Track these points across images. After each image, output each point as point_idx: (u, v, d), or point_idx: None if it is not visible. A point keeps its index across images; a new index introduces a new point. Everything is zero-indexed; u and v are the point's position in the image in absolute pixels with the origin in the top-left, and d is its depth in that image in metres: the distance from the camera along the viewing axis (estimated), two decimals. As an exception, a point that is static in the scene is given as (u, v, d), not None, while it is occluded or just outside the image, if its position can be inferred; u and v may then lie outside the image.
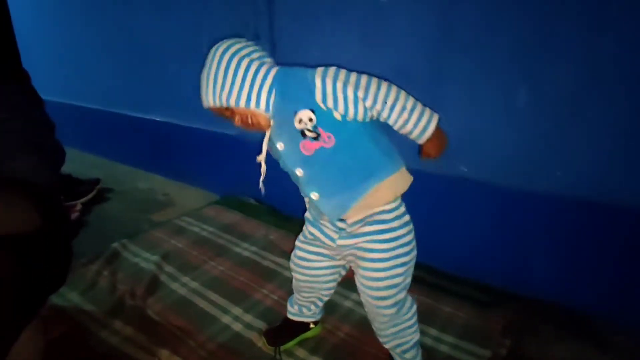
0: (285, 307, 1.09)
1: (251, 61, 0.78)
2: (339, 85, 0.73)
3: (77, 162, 2.23)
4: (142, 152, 2.31)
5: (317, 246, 0.92)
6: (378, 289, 0.83)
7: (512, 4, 1.07)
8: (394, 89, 0.75)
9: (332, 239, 0.87)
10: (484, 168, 1.23)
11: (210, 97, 0.81)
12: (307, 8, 1.45)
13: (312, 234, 0.91)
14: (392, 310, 0.85)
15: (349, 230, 0.84)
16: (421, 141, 0.78)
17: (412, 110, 0.75)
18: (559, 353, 1.05)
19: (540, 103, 1.10)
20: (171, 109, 2.08)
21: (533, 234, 1.20)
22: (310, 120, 0.75)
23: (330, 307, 1.15)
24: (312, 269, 0.94)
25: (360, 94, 0.73)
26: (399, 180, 0.81)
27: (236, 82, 0.78)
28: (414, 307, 0.90)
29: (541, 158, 1.14)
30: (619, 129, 1.02)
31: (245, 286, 1.31)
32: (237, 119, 0.82)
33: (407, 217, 0.84)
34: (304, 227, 0.95)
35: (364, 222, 0.82)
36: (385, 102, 0.74)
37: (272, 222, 1.68)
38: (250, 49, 0.81)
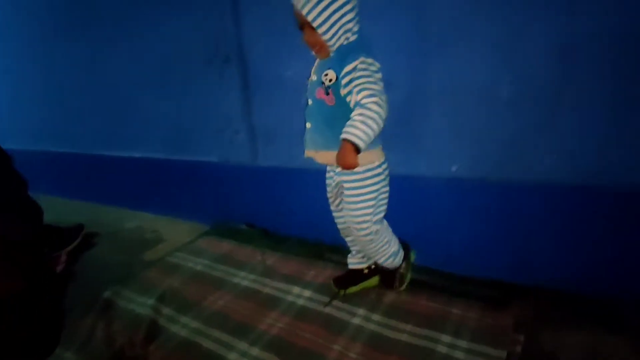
0: (293, 333, 1.14)
1: (355, 15, 1.00)
2: (355, 81, 0.98)
3: (59, 210, 2.16)
4: (126, 191, 2.25)
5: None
6: (351, 218, 1.14)
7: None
8: (375, 116, 0.97)
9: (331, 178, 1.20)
10: (474, 165, 1.21)
11: (310, 8, 0.96)
12: (276, 26, 1.44)
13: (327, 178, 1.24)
14: (368, 238, 1.15)
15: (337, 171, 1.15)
16: (341, 136, 0.99)
17: (360, 122, 0.97)
18: (574, 340, 1.03)
19: (523, 92, 1.09)
20: (150, 144, 2.03)
21: (532, 224, 1.19)
22: (330, 80, 1.01)
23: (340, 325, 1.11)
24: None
25: (357, 91, 0.98)
26: (367, 155, 1.05)
27: (337, 22, 0.98)
28: (388, 231, 1.20)
29: (530, 147, 1.13)
30: (603, 111, 1.02)
31: (248, 318, 1.26)
32: (307, 31, 1.02)
33: (377, 171, 1.11)
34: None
35: (340, 176, 1.14)
36: (359, 108, 0.98)
37: (267, 245, 1.64)
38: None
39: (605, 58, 0.99)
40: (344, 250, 1.45)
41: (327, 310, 1.25)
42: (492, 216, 1.24)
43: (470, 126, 1.19)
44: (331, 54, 1.04)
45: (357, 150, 0.98)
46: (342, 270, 1.37)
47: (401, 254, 1.26)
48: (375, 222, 1.15)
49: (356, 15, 1.01)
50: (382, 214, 1.18)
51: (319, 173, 1.48)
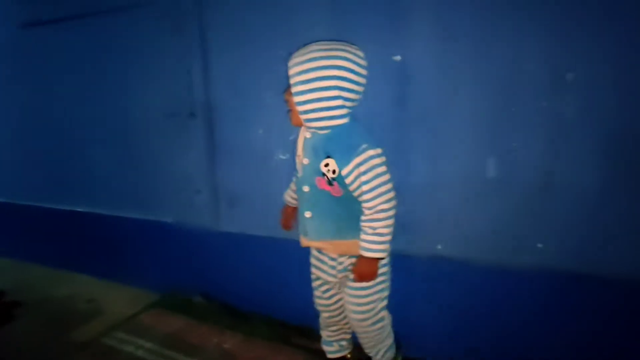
0: None
1: (343, 102, 0.91)
2: (363, 177, 0.90)
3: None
4: (61, 249, 1.95)
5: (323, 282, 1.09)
6: (359, 312, 1.03)
7: (467, 77, 1.04)
8: (388, 222, 0.92)
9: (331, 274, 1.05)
10: (459, 245, 1.12)
11: (296, 72, 0.89)
12: (246, 85, 1.33)
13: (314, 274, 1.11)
14: (378, 326, 1.04)
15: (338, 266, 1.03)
16: (360, 251, 0.95)
17: (376, 234, 0.92)
18: None
19: (510, 173, 1.04)
20: (95, 198, 1.79)
21: (516, 310, 1.09)
22: (334, 172, 0.92)
23: None
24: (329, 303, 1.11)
25: (367, 196, 0.91)
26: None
27: (317, 101, 0.90)
28: (389, 320, 1.07)
29: (518, 231, 1.06)
30: (591, 196, 0.98)
31: None
32: (288, 94, 0.94)
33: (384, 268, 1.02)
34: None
35: (344, 265, 1.02)
36: (371, 214, 0.92)
37: (226, 324, 1.43)
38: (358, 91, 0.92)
39: (593, 142, 0.95)
40: (314, 334, 1.28)
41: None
42: (472, 299, 1.14)
43: (454, 205, 1.11)
44: (311, 130, 0.95)
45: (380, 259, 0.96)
46: (314, 358, 1.19)
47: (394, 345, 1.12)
48: (385, 308, 1.05)
49: (348, 100, 0.90)
50: (387, 300, 1.07)
51: (288, 243, 1.34)
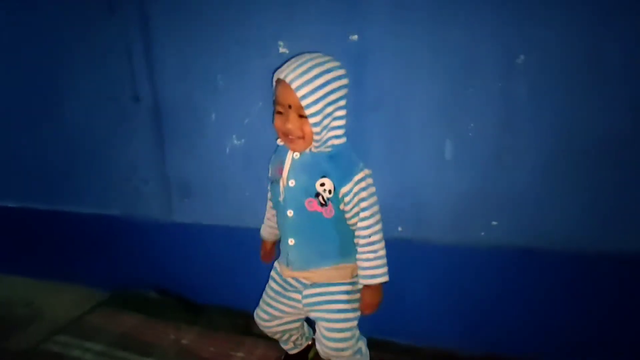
0: None
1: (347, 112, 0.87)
2: (362, 195, 0.87)
3: None
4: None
5: (281, 303, 1.01)
6: (335, 341, 0.94)
7: (424, 59, 1.03)
8: (380, 237, 0.90)
9: (298, 300, 0.98)
10: (420, 226, 1.14)
11: (308, 91, 0.80)
12: (197, 65, 1.25)
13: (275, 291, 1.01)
14: (357, 357, 0.98)
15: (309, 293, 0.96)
16: (364, 282, 0.90)
17: (378, 258, 0.89)
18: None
19: (466, 154, 1.06)
20: (28, 191, 1.63)
21: (477, 287, 1.13)
22: (330, 192, 0.87)
23: None
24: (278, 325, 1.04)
25: (364, 215, 0.88)
26: (353, 268, 0.94)
27: (330, 115, 0.84)
28: (365, 348, 1.01)
29: (475, 209, 1.09)
30: (540, 174, 1.02)
31: None
32: (293, 117, 0.84)
33: (357, 295, 0.95)
34: (269, 284, 1.04)
35: (320, 296, 0.95)
36: (369, 237, 0.88)
37: (184, 319, 1.36)
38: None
39: (541, 123, 0.99)
40: None
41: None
42: (434, 280, 1.17)
43: (414, 186, 1.12)
44: (313, 150, 0.87)
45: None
46: (277, 349, 1.17)
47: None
48: (360, 337, 0.99)
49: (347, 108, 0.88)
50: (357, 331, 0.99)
51: (246, 231, 1.30)
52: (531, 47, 0.96)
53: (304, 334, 1.13)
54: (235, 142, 1.27)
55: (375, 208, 0.89)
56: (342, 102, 0.85)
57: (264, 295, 1.05)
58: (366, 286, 0.90)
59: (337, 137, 0.87)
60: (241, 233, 1.29)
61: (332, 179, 0.86)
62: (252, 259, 1.32)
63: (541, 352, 1.10)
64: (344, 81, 0.85)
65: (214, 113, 1.27)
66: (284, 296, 1.00)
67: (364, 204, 0.87)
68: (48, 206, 1.60)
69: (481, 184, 1.07)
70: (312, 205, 0.88)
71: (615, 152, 0.97)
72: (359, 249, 0.89)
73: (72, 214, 1.56)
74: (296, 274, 0.96)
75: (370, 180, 0.89)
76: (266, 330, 1.06)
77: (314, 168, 0.87)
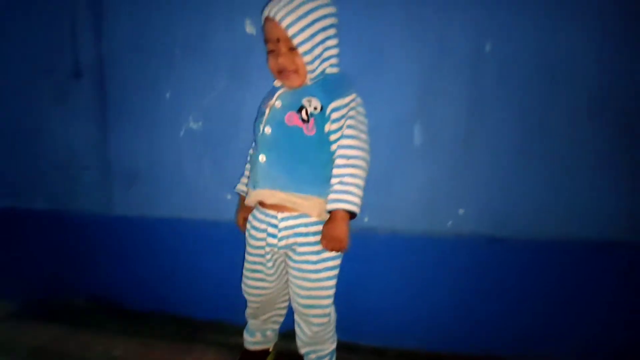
0: None
1: (338, 42, 0.85)
2: (350, 115, 0.82)
3: None
4: None
5: (259, 264, 0.91)
6: (308, 295, 0.87)
7: (395, 44, 1.01)
8: (363, 166, 0.81)
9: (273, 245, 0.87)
10: (386, 216, 1.08)
11: (292, 21, 0.78)
12: (151, 36, 1.14)
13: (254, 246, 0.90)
14: (324, 320, 0.89)
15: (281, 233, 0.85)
16: (331, 206, 0.80)
17: (354, 185, 0.80)
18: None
19: (434, 141, 1.03)
20: None
21: (444, 277, 1.08)
22: (315, 109, 0.81)
23: None
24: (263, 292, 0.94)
25: (349, 132, 0.82)
26: (324, 206, 0.83)
27: (321, 43, 0.81)
28: (334, 318, 0.93)
29: (441, 198, 1.05)
30: (505, 162, 1.01)
31: None
32: (284, 51, 0.81)
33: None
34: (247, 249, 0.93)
35: (292, 229, 0.85)
36: (349, 158, 0.81)
37: (119, 328, 1.16)
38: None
39: (508, 116, 1.00)
40: (226, 327, 1.13)
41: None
42: (402, 271, 1.10)
43: (381, 173, 1.06)
44: (308, 83, 0.84)
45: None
46: (230, 355, 1.02)
47: None
48: (333, 304, 0.91)
49: (339, 42, 0.85)
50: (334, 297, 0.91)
51: (200, 223, 1.16)
52: (498, 34, 0.97)
53: (276, 332, 1.04)
54: (192, 124, 1.16)
55: (363, 135, 0.83)
56: (332, 31, 0.82)
57: (245, 263, 0.94)
58: (332, 215, 0.80)
59: (331, 66, 0.84)
60: (193, 226, 1.17)
61: (320, 98, 0.82)
62: (205, 257, 1.18)
63: (509, 341, 1.06)
64: (331, 9, 0.82)
65: (169, 91, 1.16)
66: (269, 224, 0.86)
67: (351, 122, 0.82)
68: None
69: (449, 171, 1.04)
70: (292, 119, 0.82)
71: (580, 141, 0.99)
72: (335, 171, 0.80)
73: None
74: (261, 193, 0.84)
75: (362, 110, 0.85)
76: (258, 292, 0.94)
77: (304, 91, 0.84)
